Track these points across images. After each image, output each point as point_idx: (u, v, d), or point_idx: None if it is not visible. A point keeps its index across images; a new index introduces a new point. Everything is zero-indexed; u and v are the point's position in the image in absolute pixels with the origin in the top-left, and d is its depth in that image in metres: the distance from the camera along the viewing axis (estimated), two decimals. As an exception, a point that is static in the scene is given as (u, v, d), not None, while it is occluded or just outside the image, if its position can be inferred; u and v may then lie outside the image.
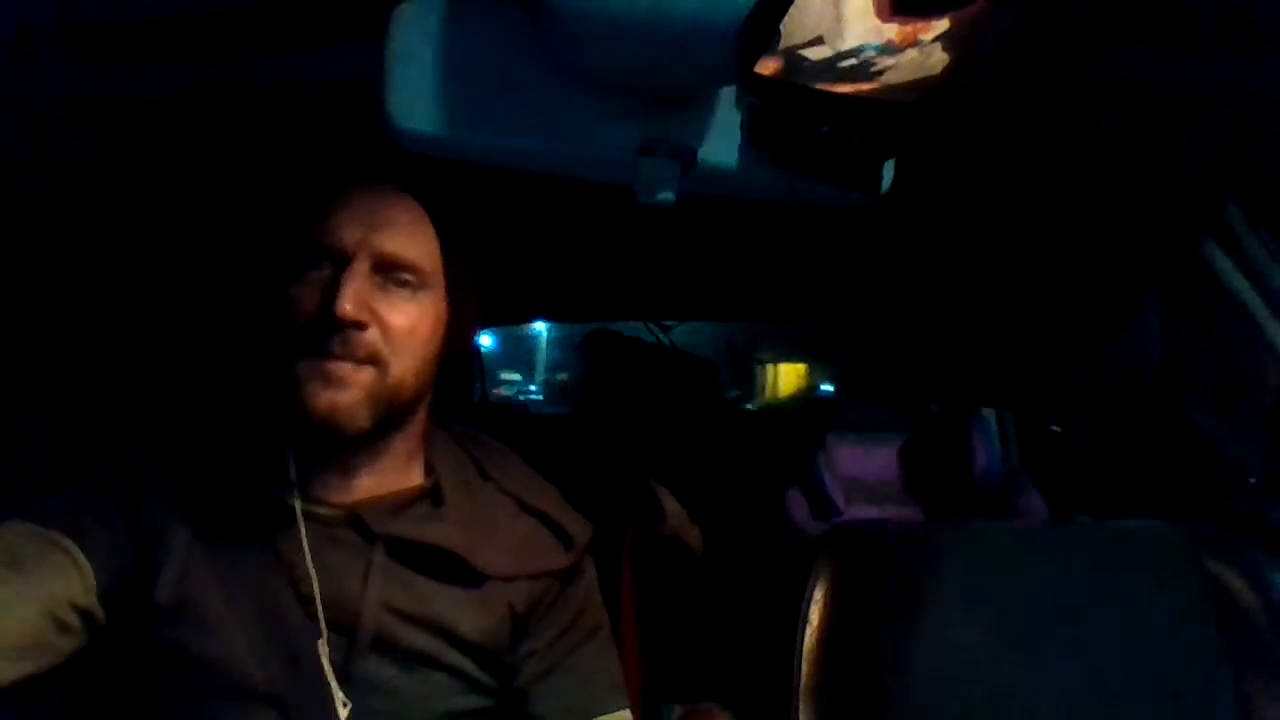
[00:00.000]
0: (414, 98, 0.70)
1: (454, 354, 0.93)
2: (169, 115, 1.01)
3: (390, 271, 0.85)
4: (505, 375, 6.97)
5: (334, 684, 0.82)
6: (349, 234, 0.84)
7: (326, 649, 0.82)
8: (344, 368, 0.83)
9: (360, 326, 0.83)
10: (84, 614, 0.80)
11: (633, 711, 0.97)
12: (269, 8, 0.79)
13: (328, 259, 0.84)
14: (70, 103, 0.91)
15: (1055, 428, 1.84)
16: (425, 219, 0.88)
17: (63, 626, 0.79)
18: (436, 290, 0.89)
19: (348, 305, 0.81)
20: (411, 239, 0.86)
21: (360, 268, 0.83)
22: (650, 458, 1.62)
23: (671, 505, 1.52)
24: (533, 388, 7.43)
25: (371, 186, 0.88)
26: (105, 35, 0.81)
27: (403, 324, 0.85)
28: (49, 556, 0.79)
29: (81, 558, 0.80)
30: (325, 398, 0.82)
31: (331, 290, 0.82)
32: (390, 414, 0.87)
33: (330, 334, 0.82)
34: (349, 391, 0.83)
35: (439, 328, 0.89)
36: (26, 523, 0.80)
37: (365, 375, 0.84)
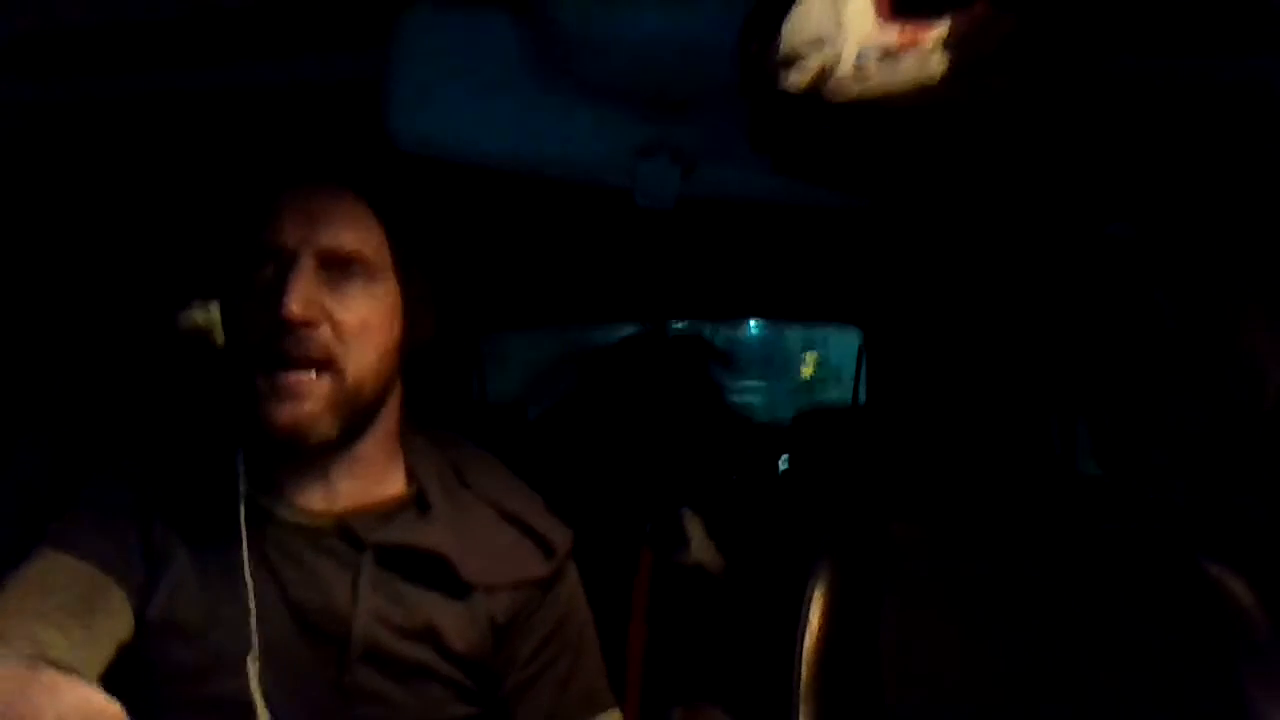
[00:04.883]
0: (417, 101, 0.70)
1: (416, 347, 0.90)
2: (158, 123, 1.00)
3: (337, 266, 0.83)
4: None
5: (259, 700, 0.81)
6: (290, 233, 0.82)
7: (255, 665, 0.81)
8: (300, 379, 0.81)
9: (311, 325, 0.81)
10: (125, 650, 0.81)
11: (632, 713, 0.97)
12: (269, 11, 0.79)
13: (272, 261, 0.82)
14: (48, 108, 0.90)
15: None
16: (367, 209, 0.85)
17: (113, 666, 0.79)
18: (387, 280, 0.86)
19: (295, 306, 0.79)
20: (354, 231, 0.84)
21: (306, 265, 0.81)
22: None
23: (698, 534, 1.51)
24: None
25: (309, 184, 0.85)
26: (88, 39, 0.80)
27: (354, 320, 0.83)
28: (110, 602, 0.80)
29: (126, 600, 0.81)
30: (286, 411, 0.81)
31: (278, 292, 0.80)
32: (355, 417, 0.85)
33: (282, 336, 0.80)
34: (308, 402, 0.81)
35: (394, 319, 0.87)
36: (84, 562, 0.80)
37: (323, 385, 0.82)
